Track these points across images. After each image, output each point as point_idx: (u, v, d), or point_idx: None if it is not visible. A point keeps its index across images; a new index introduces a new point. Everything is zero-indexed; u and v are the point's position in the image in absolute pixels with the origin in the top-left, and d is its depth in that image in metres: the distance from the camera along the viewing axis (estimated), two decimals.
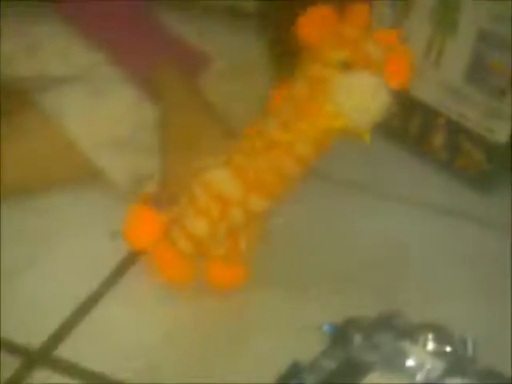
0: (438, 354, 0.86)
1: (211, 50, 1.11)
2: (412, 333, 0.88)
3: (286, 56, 1.29)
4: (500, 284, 1.03)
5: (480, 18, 1.16)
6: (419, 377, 0.84)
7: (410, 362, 0.85)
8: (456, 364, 0.84)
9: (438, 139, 1.24)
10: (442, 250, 1.09)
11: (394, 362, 0.85)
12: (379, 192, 1.19)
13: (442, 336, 0.87)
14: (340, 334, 0.88)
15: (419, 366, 0.84)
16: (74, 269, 0.98)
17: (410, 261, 1.07)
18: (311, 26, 0.90)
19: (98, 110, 1.06)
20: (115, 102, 1.06)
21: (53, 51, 1.09)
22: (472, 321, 0.94)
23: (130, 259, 1.01)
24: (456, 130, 1.21)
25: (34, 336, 0.89)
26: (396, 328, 0.88)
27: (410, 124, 1.27)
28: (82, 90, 1.06)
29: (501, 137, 1.17)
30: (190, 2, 1.18)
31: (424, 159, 1.25)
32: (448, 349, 0.86)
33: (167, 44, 1.06)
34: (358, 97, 0.90)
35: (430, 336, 0.87)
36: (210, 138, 0.97)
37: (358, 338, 0.87)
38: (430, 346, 0.86)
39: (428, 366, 0.84)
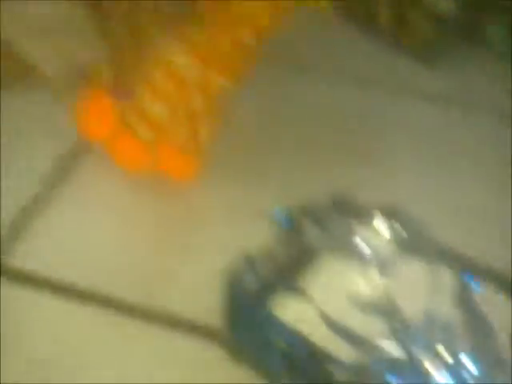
0: (391, 234, 0.86)
1: None
2: (363, 215, 0.87)
3: None
4: (448, 158, 1.03)
5: None
6: (372, 258, 0.84)
7: (362, 246, 0.84)
8: (408, 244, 0.84)
9: (384, 13, 1.22)
10: (394, 128, 1.08)
11: (347, 246, 0.85)
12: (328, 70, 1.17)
13: (393, 217, 0.87)
14: (292, 221, 0.88)
15: (372, 249, 0.84)
16: (20, 168, 0.96)
17: (363, 136, 1.06)
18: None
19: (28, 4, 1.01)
20: None
21: None
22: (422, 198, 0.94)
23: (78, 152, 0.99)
24: (401, 1, 1.19)
25: None
26: (347, 211, 0.88)
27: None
28: None
29: (446, 6, 1.15)
30: None
31: (371, 37, 1.23)
32: (400, 229, 0.86)
33: None
34: None
35: (382, 217, 0.87)
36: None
37: (309, 223, 0.86)
38: (382, 227, 0.86)
39: (381, 247, 0.84)
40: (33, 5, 1.02)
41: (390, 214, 0.87)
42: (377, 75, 1.18)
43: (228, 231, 0.91)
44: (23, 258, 0.87)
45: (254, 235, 0.86)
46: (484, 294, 0.81)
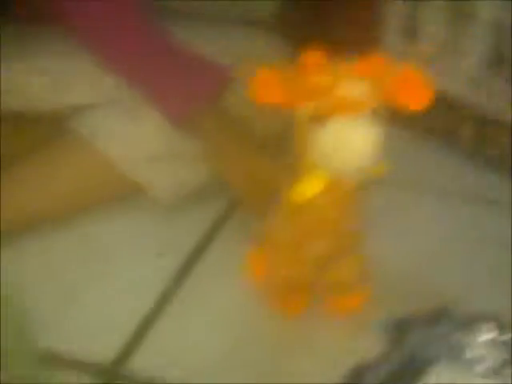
0: (497, 343, 0.87)
1: (231, 61, 1.12)
2: (467, 324, 0.89)
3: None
4: None
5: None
6: (480, 367, 0.85)
7: (469, 354, 0.86)
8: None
9: (466, 131, 1.26)
10: (477, 238, 1.10)
11: (454, 355, 0.86)
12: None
13: (498, 325, 0.89)
14: (397, 332, 0.90)
15: (479, 357, 0.86)
16: (126, 290, 1.00)
17: (448, 252, 1.08)
18: (264, 87, 0.84)
19: (132, 128, 1.07)
20: (148, 119, 1.07)
21: (82, 82, 1.10)
22: None
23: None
24: (483, 119, 1.23)
25: (103, 354, 0.91)
26: (451, 321, 0.90)
27: (437, 117, 1.28)
28: (115, 112, 1.08)
29: None
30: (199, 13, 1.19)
31: (452, 151, 1.27)
32: (505, 338, 0.88)
33: (199, 76, 1.06)
34: (339, 147, 0.83)
35: (487, 326, 0.88)
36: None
37: (415, 335, 0.88)
38: (488, 335, 0.88)
39: (488, 356, 0.86)
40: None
41: (495, 323, 0.89)
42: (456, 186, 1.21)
43: (338, 343, 0.93)
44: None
45: (363, 348, 0.89)
46: None
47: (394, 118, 0.83)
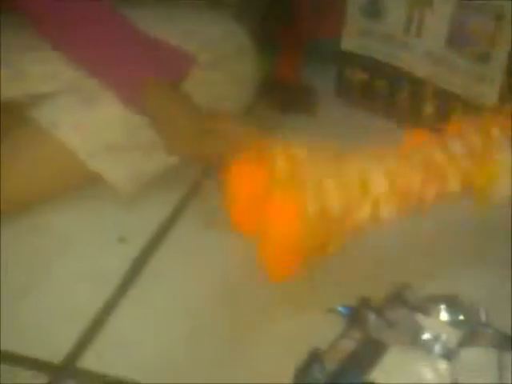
0: (453, 323, 0.88)
1: (193, 46, 1.12)
2: (424, 305, 0.90)
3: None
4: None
5: None
6: (437, 348, 0.86)
7: (426, 335, 0.87)
8: (471, 332, 0.86)
9: (429, 108, 1.26)
10: (439, 221, 1.10)
11: (411, 337, 0.87)
12: None
13: (454, 306, 0.89)
14: (355, 315, 0.90)
15: (436, 338, 0.86)
16: (87, 278, 0.99)
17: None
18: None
19: (91, 118, 1.07)
20: (106, 108, 1.06)
21: (41, 71, 1.09)
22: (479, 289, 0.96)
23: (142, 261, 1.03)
24: (445, 97, 1.23)
25: (55, 350, 0.90)
26: (408, 302, 0.90)
27: (400, 96, 1.28)
28: (74, 101, 1.07)
29: (490, 99, 1.18)
30: None
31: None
32: (461, 317, 0.88)
33: (150, 56, 1.06)
34: None
35: (443, 306, 0.89)
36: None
37: (372, 317, 0.89)
38: (444, 316, 0.88)
39: (444, 336, 0.86)
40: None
41: (451, 304, 0.89)
42: None
43: (295, 327, 0.93)
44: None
45: (321, 331, 0.89)
46: None
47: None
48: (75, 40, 1.06)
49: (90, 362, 0.89)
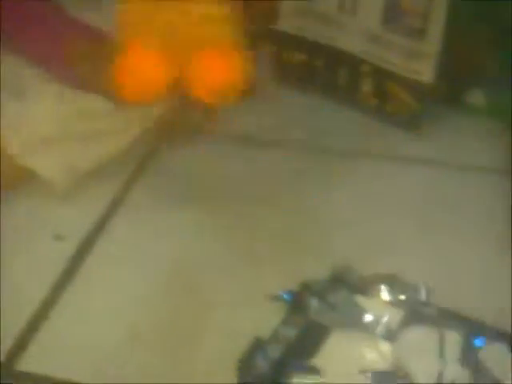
0: (394, 303, 0.87)
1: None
2: (365, 286, 0.89)
3: None
4: (443, 220, 1.05)
5: None
6: (379, 329, 0.86)
7: (368, 317, 0.86)
8: (411, 311, 0.86)
9: (366, 87, 1.25)
10: (384, 198, 1.10)
11: (353, 319, 0.86)
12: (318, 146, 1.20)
13: (394, 285, 0.89)
14: (297, 300, 0.90)
15: (377, 319, 0.86)
16: (23, 278, 0.97)
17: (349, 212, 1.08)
18: None
19: (22, 113, 1.05)
20: (36, 102, 1.05)
21: None
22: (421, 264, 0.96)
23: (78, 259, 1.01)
24: (382, 75, 1.22)
25: None
26: (349, 284, 0.90)
27: (338, 75, 1.27)
28: (4, 98, 1.05)
29: (426, 76, 1.18)
30: None
31: (354, 108, 1.26)
32: (402, 297, 0.88)
33: (82, 41, 1.05)
34: None
35: (383, 287, 0.89)
36: None
37: (314, 301, 0.88)
38: (385, 296, 0.88)
39: (386, 317, 0.86)
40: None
41: (392, 283, 0.89)
42: (363, 145, 1.21)
43: (238, 315, 0.92)
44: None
45: (263, 318, 0.88)
46: (488, 351, 0.83)
47: None
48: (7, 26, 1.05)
49: (29, 363, 0.87)
